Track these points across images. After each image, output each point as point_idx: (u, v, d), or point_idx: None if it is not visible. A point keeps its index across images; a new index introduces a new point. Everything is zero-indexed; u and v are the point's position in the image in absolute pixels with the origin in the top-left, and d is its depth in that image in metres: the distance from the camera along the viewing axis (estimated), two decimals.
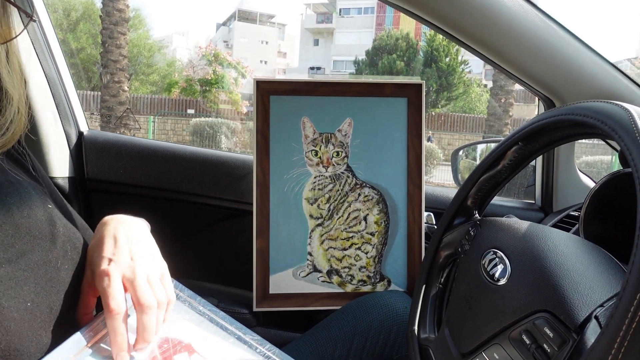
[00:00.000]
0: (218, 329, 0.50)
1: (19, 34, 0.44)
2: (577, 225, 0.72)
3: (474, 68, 20.24)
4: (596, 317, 0.44)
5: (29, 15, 0.43)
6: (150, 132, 11.31)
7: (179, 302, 0.51)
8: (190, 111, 13.72)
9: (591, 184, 0.93)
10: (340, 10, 31.29)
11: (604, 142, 0.80)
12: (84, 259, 0.49)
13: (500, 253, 0.56)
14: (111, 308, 0.43)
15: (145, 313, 0.44)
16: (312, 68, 30.56)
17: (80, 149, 1.11)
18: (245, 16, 33.45)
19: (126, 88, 8.95)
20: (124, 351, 0.43)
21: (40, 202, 0.48)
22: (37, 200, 0.48)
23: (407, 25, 22.25)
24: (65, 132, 1.10)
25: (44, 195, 0.51)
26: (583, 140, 0.89)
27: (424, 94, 0.94)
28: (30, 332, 0.39)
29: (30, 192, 0.48)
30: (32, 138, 1.02)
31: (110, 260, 0.46)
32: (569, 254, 0.51)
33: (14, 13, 0.44)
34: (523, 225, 0.58)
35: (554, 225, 0.82)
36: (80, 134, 1.13)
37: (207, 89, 13.47)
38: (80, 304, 0.47)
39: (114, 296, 0.44)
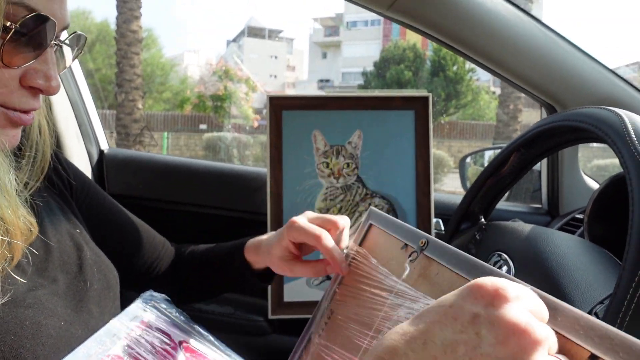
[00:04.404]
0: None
1: (70, 64, 0.48)
2: (582, 228, 0.73)
3: (482, 75, 20.12)
4: (596, 314, 0.46)
5: (80, 49, 0.47)
6: (164, 148, 11.47)
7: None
8: (203, 126, 13.91)
9: (596, 187, 0.94)
10: (347, 23, 31.59)
11: None
12: (111, 280, 0.53)
13: (504, 255, 0.58)
14: (321, 234, 0.55)
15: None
16: (321, 80, 30.82)
17: (102, 166, 1.16)
18: (254, 32, 34.01)
19: (140, 106, 9.13)
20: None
21: (69, 227, 0.51)
22: (66, 226, 0.51)
23: (414, 35, 22.31)
24: (87, 150, 1.15)
25: (73, 218, 0.54)
26: (594, 144, 0.90)
27: (430, 106, 0.95)
28: (67, 348, 0.41)
29: (60, 217, 0.51)
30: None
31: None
32: (570, 254, 0.53)
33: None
34: (526, 228, 0.61)
35: (560, 228, 0.83)
36: (101, 152, 1.18)
37: (219, 104, 13.66)
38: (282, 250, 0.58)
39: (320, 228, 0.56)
